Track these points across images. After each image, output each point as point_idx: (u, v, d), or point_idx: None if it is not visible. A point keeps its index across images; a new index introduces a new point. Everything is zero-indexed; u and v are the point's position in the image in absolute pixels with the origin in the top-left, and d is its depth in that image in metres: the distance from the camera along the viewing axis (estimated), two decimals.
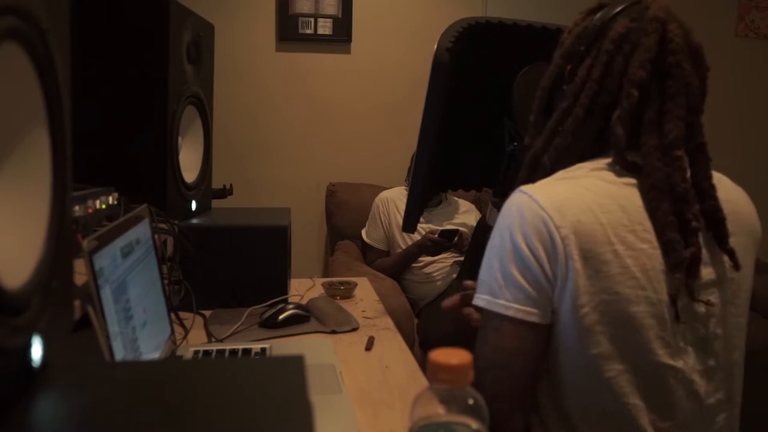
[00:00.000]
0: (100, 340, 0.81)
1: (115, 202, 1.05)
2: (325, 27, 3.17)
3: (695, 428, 0.82)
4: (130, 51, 1.37)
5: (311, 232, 3.30)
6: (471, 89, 1.34)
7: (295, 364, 0.51)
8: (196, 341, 1.31)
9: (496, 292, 0.81)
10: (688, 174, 0.83)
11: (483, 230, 1.84)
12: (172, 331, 1.20)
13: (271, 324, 1.40)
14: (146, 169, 1.39)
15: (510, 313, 0.80)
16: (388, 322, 1.51)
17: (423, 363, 0.72)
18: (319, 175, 3.25)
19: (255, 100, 3.19)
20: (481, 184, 1.58)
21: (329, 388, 1.08)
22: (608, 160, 0.85)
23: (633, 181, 0.82)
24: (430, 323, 2.45)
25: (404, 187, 2.88)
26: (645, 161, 0.82)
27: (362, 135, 3.30)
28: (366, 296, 1.74)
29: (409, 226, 1.40)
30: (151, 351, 1.02)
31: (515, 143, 1.27)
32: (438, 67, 1.21)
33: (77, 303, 0.76)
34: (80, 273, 0.76)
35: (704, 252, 0.82)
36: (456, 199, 2.90)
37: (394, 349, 1.33)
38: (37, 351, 0.50)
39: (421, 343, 2.39)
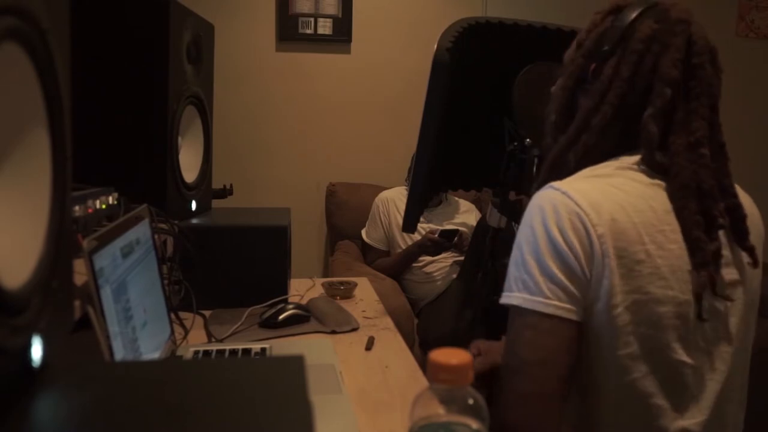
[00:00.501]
0: (100, 340, 0.81)
1: (115, 202, 1.05)
2: (325, 27, 3.17)
3: (711, 426, 0.83)
4: (130, 51, 1.37)
5: (311, 232, 3.30)
6: (471, 89, 1.34)
7: (295, 364, 0.51)
8: (196, 341, 1.31)
9: (532, 288, 0.79)
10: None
11: (483, 230, 1.85)
12: (172, 331, 1.20)
13: (271, 324, 1.40)
14: (146, 169, 1.39)
15: (549, 310, 0.78)
16: (388, 322, 1.51)
17: (423, 363, 0.72)
18: (319, 175, 3.25)
19: (255, 100, 3.19)
20: (481, 184, 1.58)
21: (329, 388, 1.08)
22: (634, 159, 0.85)
23: (659, 182, 0.83)
24: (430, 323, 2.45)
25: (404, 187, 2.88)
26: (673, 160, 0.82)
27: (362, 135, 3.30)
28: (366, 296, 1.74)
29: (409, 226, 1.40)
30: (151, 351, 1.02)
31: (515, 143, 1.27)
32: (438, 67, 1.21)
33: (77, 303, 0.76)
34: (80, 273, 0.76)
35: (725, 250, 0.83)
36: (456, 199, 2.90)
37: (394, 349, 1.33)
38: (37, 351, 0.50)
39: (421, 343, 2.39)
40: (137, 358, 0.94)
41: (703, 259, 0.79)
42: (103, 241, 0.85)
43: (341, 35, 3.19)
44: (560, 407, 0.80)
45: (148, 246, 1.09)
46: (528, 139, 1.24)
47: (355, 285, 1.76)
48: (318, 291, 1.74)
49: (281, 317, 1.41)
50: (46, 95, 0.53)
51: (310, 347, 1.29)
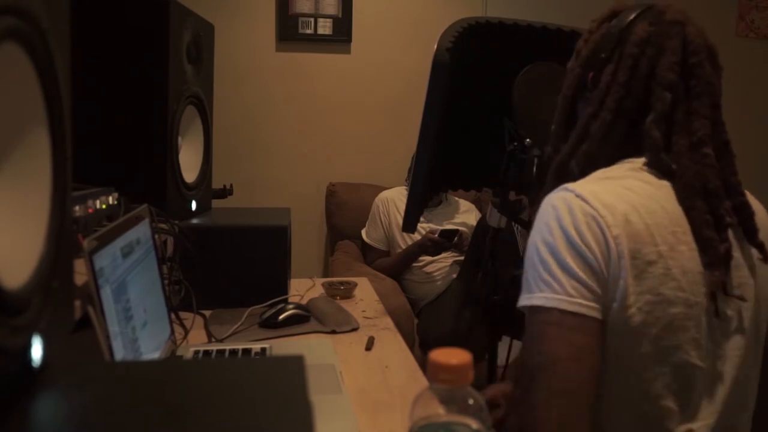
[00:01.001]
0: (100, 340, 0.81)
1: (115, 202, 1.05)
2: (325, 27, 3.17)
3: (718, 430, 0.82)
4: (130, 51, 1.37)
5: (311, 232, 3.30)
6: (471, 89, 1.34)
7: (295, 364, 0.51)
8: (196, 341, 1.31)
9: (555, 287, 0.78)
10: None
11: (483, 230, 1.85)
12: (172, 331, 1.20)
13: (271, 324, 1.40)
14: (146, 169, 1.39)
15: (574, 308, 0.77)
16: (388, 322, 1.51)
17: (423, 363, 0.72)
18: (319, 175, 3.25)
19: (255, 100, 3.19)
20: (481, 184, 1.58)
21: (329, 388, 1.08)
22: (643, 161, 0.85)
23: (667, 183, 0.83)
24: (430, 323, 2.45)
25: (404, 187, 2.88)
26: (678, 161, 0.83)
27: (362, 135, 3.30)
28: (366, 296, 1.74)
29: (409, 226, 1.40)
30: (151, 351, 1.02)
31: (515, 143, 1.27)
32: (438, 67, 1.21)
33: (77, 303, 0.76)
34: (80, 273, 0.76)
35: (735, 251, 0.83)
36: (456, 199, 2.90)
37: (394, 349, 1.33)
38: (37, 351, 0.50)
39: (421, 343, 2.39)
40: (137, 358, 0.94)
41: (715, 258, 0.79)
42: (103, 241, 0.85)
43: (341, 35, 3.19)
44: (592, 407, 0.78)
45: (148, 246, 1.09)
46: (528, 139, 1.24)
47: (355, 285, 1.76)
48: (318, 291, 1.74)
49: (281, 317, 1.41)
50: (46, 95, 0.53)
51: (310, 347, 1.29)
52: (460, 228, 2.61)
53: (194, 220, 1.54)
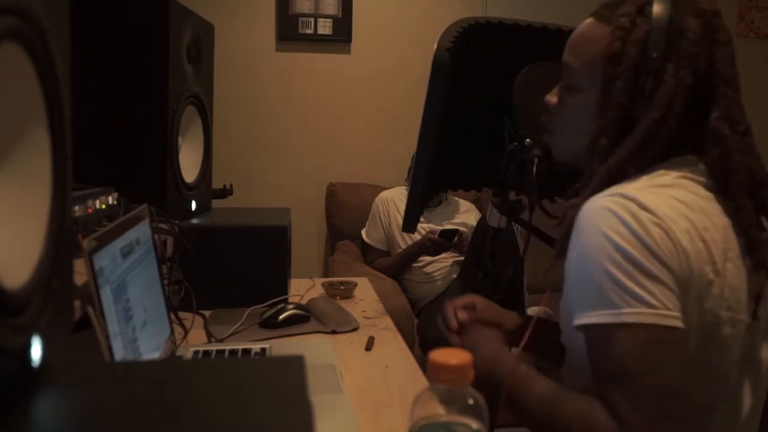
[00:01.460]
0: (100, 340, 0.80)
1: (115, 202, 1.05)
2: (325, 27, 3.17)
3: None
4: (130, 51, 1.37)
5: (311, 232, 3.30)
6: (471, 89, 1.34)
7: (295, 364, 0.51)
8: (196, 341, 1.31)
9: (649, 301, 0.71)
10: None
11: (483, 230, 1.85)
12: (172, 331, 1.20)
13: (271, 324, 1.40)
14: (146, 169, 1.39)
15: (674, 323, 0.71)
16: (388, 322, 1.51)
17: (423, 363, 0.72)
18: (319, 175, 3.25)
19: (255, 100, 3.19)
20: (481, 184, 1.58)
21: (329, 388, 1.08)
22: (688, 168, 0.82)
23: (713, 194, 0.80)
24: (430, 323, 2.45)
25: (404, 187, 2.88)
26: (726, 157, 0.80)
27: (362, 135, 3.30)
28: (366, 296, 1.74)
29: (409, 226, 1.40)
30: (151, 351, 1.02)
31: (515, 143, 1.27)
32: (438, 67, 1.21)
33: (77, 303, 0.76)
34: (80, 273, 0.76)
35: None
36: (456, 199, 2.90)
37: (394, 349, 1.33)
38: (37, 351, 0.50)
39: (421, 343, 2.39)
40: (137, 358, 0.94)
41: (762, 258, 0.77)
42: (103, 241, 0.85)
43: (341, 35, 3.19)
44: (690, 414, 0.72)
45: (148, 246, 1.09)
46: (528, 139, 1.24)
47: (355, 285, 1.76)
48: (318, 291, 1.74)
49: (281, 317, 1.41)
50: (46, 95, 0.53)
51: (310, 347, 1.29)
52: (460, 228, 2.61)
53: (194, 220, 1.54)
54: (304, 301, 1.55)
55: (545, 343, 1.01)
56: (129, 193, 1.12)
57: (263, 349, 1.25)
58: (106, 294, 0.83)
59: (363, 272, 2.48)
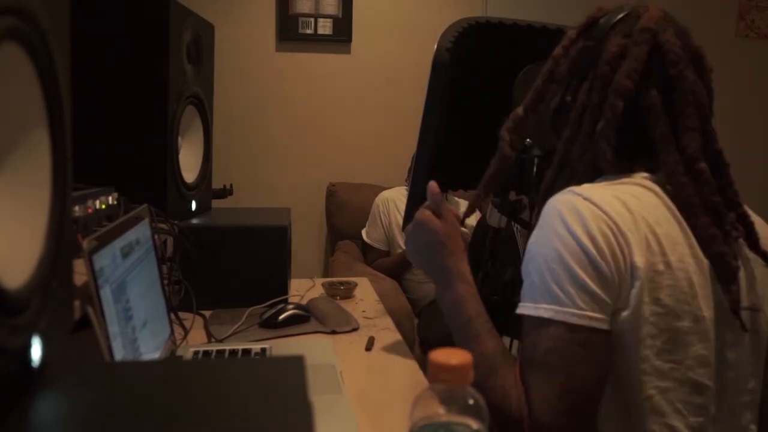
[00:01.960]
0: (100, 340, 0.81)
1: (115, 202, 1.05)
2: (325, 27, 3.17)
3: None
4: (130, 51, 1.37)
5: (311, 232, 3.30)
6: (471, 89, 1.34)
7: (295, 364, 0.51)
8: (196, 341, 1.31)
9: (563, 300, 0.75)
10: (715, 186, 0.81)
11: (483, 230, 1.84)
12: (172, 331, 1.20)
13: (271, 324, 1.40)
14: (146, 169, 1.39)
15: (583, 322, 0.74)
16: (388, 322, 1.51)
17: (423, 363, 0.72)
18: (319, 175, 3.25)
19: (255, 100, 3.19)
20: None
21: (329, 388, 1.08)
22: (642, 174, 0.83)
23: (669, 202, 0.81)
24: (430, 323, 2.45)
25: (404, 187, 2.88)
26: (671, 179, 0.80)
27: (362, 135, 3.30)
28: (366, 296, 1.74)
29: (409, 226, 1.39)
30: (151, 351, 1.02)
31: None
32: (438, 67, 1.21)
33: (77, 303, 0.76)
34: (80, 273, 0.76)
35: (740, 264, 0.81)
36: (456, 199, 2.90)
37: (394, 349, 1.33)
38: (37, 351, 0.50)
39: (421, 343, 2.39)
40: (137, 358, 0.94)
41: (730, 273, 0.77)
42: (103, 241, 0.85)
43: (341, 35, 3.19)
44: (596, 411, 0.76)
45: (148, 246, 1.09)
46: (528, 139, 1.24)
47: (355, 285, 1.76)
48: (318, 291, 1.74)
49: (281, 317, 1.41)
50: (46, 95, 0.53)
51: (310, 347, 1.29)
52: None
53: (194, 220, 1.54)
54: (304, 301, 1.55)
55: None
56: (129, 193, 1.11)
57: (263, 349, 1.24)
58: (106, 294, 0.83)
59: (363, 272, 2.48)
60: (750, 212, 0.86)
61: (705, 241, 0.78)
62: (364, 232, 2.91)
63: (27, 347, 0.49)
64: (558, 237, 0.77)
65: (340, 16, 3.17)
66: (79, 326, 0.77)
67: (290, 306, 1.45)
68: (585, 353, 0.74)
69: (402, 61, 3.25)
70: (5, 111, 0.48)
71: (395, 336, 1.41)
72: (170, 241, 1.37)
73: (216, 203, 1.79)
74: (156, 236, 1.17)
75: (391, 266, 2.70)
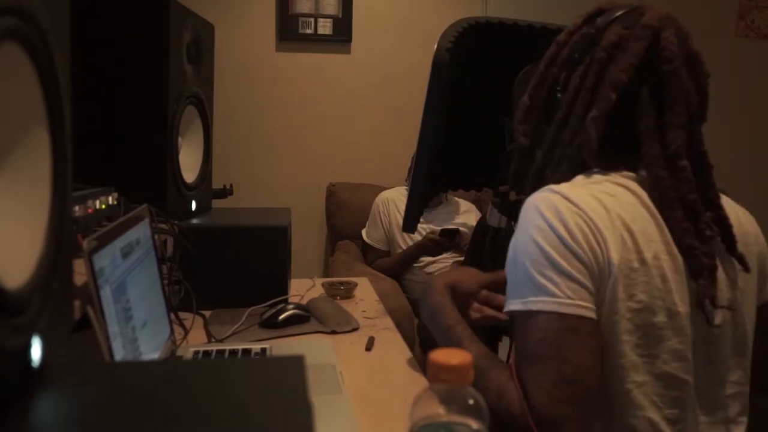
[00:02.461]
0: (100, 340, 0.81)
1: (115, 202, 1.05)
2: (325, 27, 3.17)
3: None
4: (130, 51, 1.37)
5: (311, 232, 3.30)
6: (471, 89, 1.34)
7: (295, 364, 0.51)
8: (196, 341, 1.31)
9: (552, 290, 0.76)
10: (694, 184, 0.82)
11: (483, 230, 1.84)
12: (172, 331, 1.20)
13: (271, 324, 1.40)
14: (146, 169, 1.39)
15: (573, 311, 0.75)
16: (388, 322, 1.51)
17: (423, 363, 0.72)
18: (319, 175, 3.25)
19: (255, 100, 3.19)
20: (481, 184, 1.58)
21: (329, 388, 1.08)
22: (625, 178, 0.84)
23: (644, 192, 0.82)
24: None
25: (404, 187, 2.88)
26: (649, 172, 0.81)
27: (362, 135, 3.30)
28: (366, 296, 1.74)
29: (409, 226, 1.40)
30: (151, 351, 1.02)
31: (515, 143, 1.27)
32: (438, 67, 1.21)
33: (77, 303, 0.76)
34: (80, 273, 0.76)
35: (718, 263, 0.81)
36: (456, 199, 2.90)
37: (394, 349, 1.33)
38: (36, 351, 0.50)
39: (421, 343, 2.39)
40: (137, 358, 0.94)
41: (699, 267, 0.78)
42: (103, 241, 0.85)
43: (341, 35, 3.19)
44: (594, 399, 0.77)
45: (148, 246, 1.09)
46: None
47: (355, 285, 1.76)
48: (318, 291, 1.74)
49: (281, 317, 1.41)
50: (46, 95, 0.53)
51: (310, 347, 1.29)
52: (460, 228, 2.61)
53: (194, 220, 1.54)
54: (304, 301, 1.55)
55: None
56: (129, 193, 1.12)
57: (263, 349, 1.25)
58: (106, 294, 0.83)
59: (363, 272, 2.47)
60: (736, 211, 0.87)
61: (677, 234, 0.79)
62: (364, 232, 2.91)
63: (27, 347, 0.49)
64: (538, 230, 0.79)
65: (340, 16, 3.17)
66: (79, 326, 0.77)
67: (290, 306, 1.45)
68: (576, 339, 0.75)
69: (402, 61, 3.25)
70: (5, 111, 0.48)
71: (395, 336, 1.41)
72: (170, 241, 1.37)
73: (216, 203, 1.79)
74: (156, 236, 1.17)
75: (391, 266, 2.70)
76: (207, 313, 1.46)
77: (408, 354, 1.31)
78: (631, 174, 0.84)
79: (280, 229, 1.55)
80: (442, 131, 1.30)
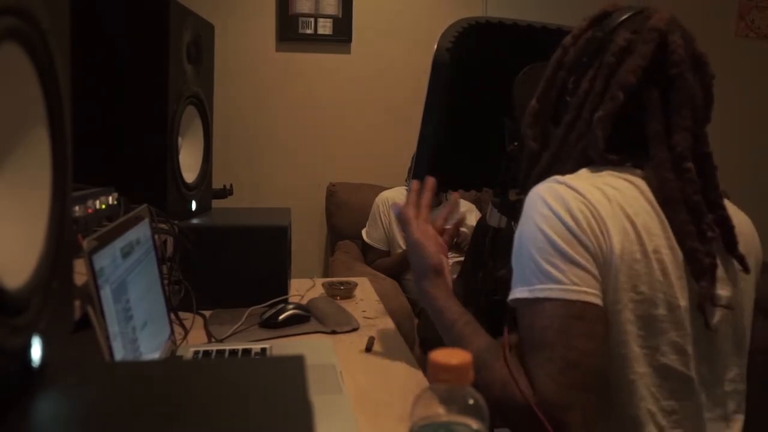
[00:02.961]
0: (100, 340, 0.81)
1: (115, 202, 1.05)
2: (325, 27, 3.17)
3: None
4: (130, 51, 1.37)
5: (311, 232, 3.30)
6: (471, 89, 1.34)
7: (295, 364, 0.51)
8: (196, 341, 1.31)
9: (558, 277, 0.76)
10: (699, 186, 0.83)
11: (483, 230, 1.85)
12: (172, 331, 1.20)
13: (271, 324, 1.40)
14: (146, 169, 1.39)
15: (580, 297, 0.76)
16: (388, 322, 1.51)
17: (423, 363, 0.72)
18: (319, 175, 3.25)
19: (255, 100, 3.19)
20: (481, 184, 1.58)
21: (329, 388, 1.08)
22: (630, 175, 0.85)
23: (648, 188, 0.83)
24: (430, 323, 2.44)
25: (404, 187, 2.88)
26: (656, 174, 0.82)
27: (362, 135, 3.30)
28: (366, 296, 1.74)
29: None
30: (151, 351, 1.02)
31: (515, 143, 1.27)
32: (438, 67, 1.21)
33: (77, 303, 0.76)
34: (80, 273, 0.76)
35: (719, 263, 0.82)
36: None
37: (394, 349, 1.33)
38: (37, 351, 0.50)
39: (421, 343, 2.39)
40: (137, 358, 0.94)
41: (701, 268, 0.79)
42: (103, 241, 0.85)
43: (341, 35, 3.19)
44: (600, 386, 0.77)
45: (148, 246, 1.09)
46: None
47: (356, 285, 1.76)
48: (318, 291, 1.74)
49: (281, 317, 1.41)
50: (46, 95, 0.53)
51: (310, 347, 1.29)
52: (460, 228, 2.61)
53: (194, 220, 1.54)
54: (304, 301, 1.55)
55: None
56: (129, 193, 1.12)
57: (263, 349, 1.25)
58: (106, 294, 0.83)
59: (363, 272, 2.48)
60: (737, 214, 0.88)
61: (680, 236, 0.80)
62: (364, 232, 2.91)
63: (27, 347, 0.49)
64: (543, 218, 0.79)
65: (340, 16, 3.17)
66: (79, 326, 0.77)
67: (290, 306, 1.45)
68: (581, 325, 0.76)
69: (402, 60, 3.25)
70: (5, 111, 0.48)
71: (395, 336, 1.41)
72: (170, 241, 1.37)
73: (216, 203, 1.79)
74: (156, 236, 1.17)
75: (391, 266, 2.70)
76: (207, 313, 1.46)
77: (408, 354, 1.31)
78: (637, 170, 0.85)
79: (280, 229, 1.55)
80: (442, 131, 1.30)
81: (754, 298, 0.89)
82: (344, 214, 3.10)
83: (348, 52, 3.24)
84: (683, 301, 0.79)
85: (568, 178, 0.82)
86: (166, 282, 1.26)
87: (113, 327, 0.84)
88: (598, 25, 0.89)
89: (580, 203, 0.78)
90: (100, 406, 0.46)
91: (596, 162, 0.86)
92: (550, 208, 0.79)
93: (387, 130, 3.29)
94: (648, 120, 0.83)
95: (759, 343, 0.98)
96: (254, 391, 0.47)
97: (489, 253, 1.41)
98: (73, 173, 0.59)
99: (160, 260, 1.17)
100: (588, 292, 0.76)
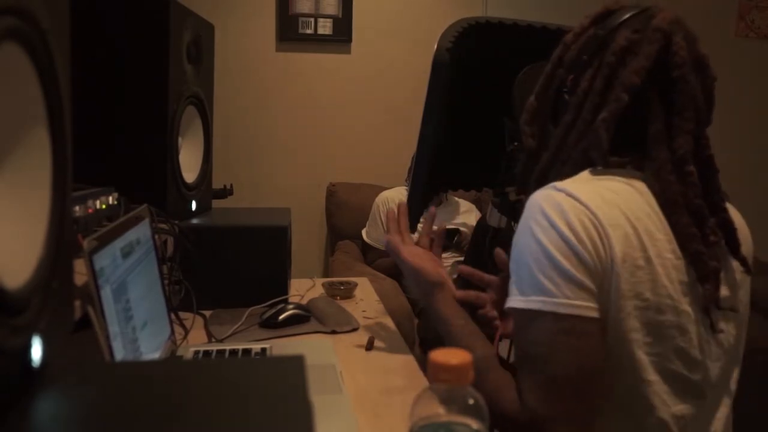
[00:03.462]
0: (100, 340, 0.81)
1: (115, 202, 1.05)
2: (325, 27, 3.17)
3: None
4: (130, 51, 1.37)
5: (311, 232, 3.30)
6: (471, 89, 1.34)
7: (295, 364, 0.51)
8: (196, 341, 1.31)
9: (551, 290, 0.76)
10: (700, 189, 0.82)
11: (483, 230, 1.84)
12: (172, 331, 1.20)
13: (271, 324, 1.40)
14: (146, 169, 1.39)
15: (571, 311, 0.75)
16: (388, 322, 1.51)
17: (423, 363, 0.72)
18: (319, 175, 3.25)
19: (255, 100, 3.19)
20: (481, 184, 1.58)
21: (329, 388, 1.08)
22: (631, 176, 0.84)
23: (652, 199, 0.82)
24: (430, 323, 2.45)
25: (404, 187, 2.88)
26: (658, 177, 0.81)
27: (362, 135, 3.30)
28: (366, 296, 1.74)
29: (409, 226, 1.39)
30: (151, 351, 1.02)
31: (515, 143, 1.27)
32: (438, 67, 1.21)
33: (77, 303, 0.76)
34: (80, 273, 0.76)
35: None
36: (456, 199, 2.90)
37: (394, 349, 1.33)
38: (37, 351, 0.50)
39: (421, 343, 2.39)
40: (137, 358, 0.94)
41: (706, 272, 0.78)
42: (103, 241, 0.85)
43: (341, 35, 3.19)
44: (590, 400, 0.77)
45: (148, 246, 1.09)
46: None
47: (356, 285, 1.76)
48: (318, 291, 1.74)
49: (281, 317, 1.41)
50: (46, 95, 0.53)
51: (310, 347, 1.29)
52: (460, 228, 2.61)
53: (194, 220, 1.54)
54: (304, 301, 1.55)
55: None
56: (129, 193, 1.12)
57: (263, 349, 1.25)
58: (106, 294, 0.83)
59: (363, 272, 2.48)
60: (735, 216, 0.87)
61: (684, 240, 0.79)
62: (364, 232, 2.91)
63: (27, 347, 0.49)
64: (541, 229, 0.79)
65: (340, 16, 3.17)
66: (79, 326, 0.77)
67: (290, 306, 1.45)
68: (569, 340, 0.75)
69: (402, 60, 3.25)
70: (5, 111, 0.48)
71: (395, 336, 1.41)
72: (170, 241, 1.37)
73: (216, 203, 1.79)
74: (156, 236, 1.17)
75: (391, 266, 2.69)
76: (207, 313, 1.46)
77: (408, 354, 1.31)
78: (637, 173, 0.84)
79: (280, 229, 1.55)
80: (442, 131, 1.30)
81: (748, 311, 0.89)
82: (344, 214, 3.10)
83: (348, 52, 3.24)
84: (687, 305, 0.78)
85: (568, 185, 0.81)
86: (166, 282, 1.26)
87: (113, 327, 0.84)
88: (600, 23, 0.88)
89: (580, 212, 0.77)
90: (100, 406, 0.46)
91: (597, 163, 0.85)
92: (548, 219, 0.78)
93: (387, 130, 3.29)
94: (649, 121, 0.82)
95: (759, 343, 0.98)
96: (254, 391, 0.47)
97: (489, 253, 1.41)
98: (73, 173, 0.59)
99: (161, 260, 1.17)
100: (581, 305, 0.76)
